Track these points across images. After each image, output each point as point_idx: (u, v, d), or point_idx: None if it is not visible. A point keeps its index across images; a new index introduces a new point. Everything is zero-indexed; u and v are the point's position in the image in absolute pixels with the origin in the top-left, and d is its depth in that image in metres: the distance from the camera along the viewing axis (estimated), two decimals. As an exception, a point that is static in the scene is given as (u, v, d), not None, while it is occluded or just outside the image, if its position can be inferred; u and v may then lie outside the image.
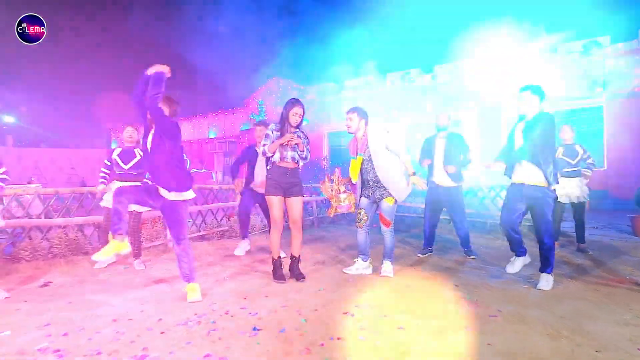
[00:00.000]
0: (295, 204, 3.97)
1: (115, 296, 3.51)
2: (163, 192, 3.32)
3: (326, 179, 4.36)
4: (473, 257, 4.96)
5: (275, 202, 3.90)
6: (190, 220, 6.76)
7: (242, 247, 5.01)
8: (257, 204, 5.39)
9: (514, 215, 3.76)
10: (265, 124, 5.06)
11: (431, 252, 5.17)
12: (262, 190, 4.87)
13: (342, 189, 4.23)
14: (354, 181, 4.19)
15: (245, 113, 21.43)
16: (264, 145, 3.92)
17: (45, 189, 6.26)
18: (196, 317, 2.92)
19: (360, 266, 4.22)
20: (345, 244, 6.10)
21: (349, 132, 4.19)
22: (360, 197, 4.22)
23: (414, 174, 4.03)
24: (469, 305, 3.14)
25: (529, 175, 3.63)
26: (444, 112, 5.23)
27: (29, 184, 12.41)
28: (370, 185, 4.12)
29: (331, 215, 4.29)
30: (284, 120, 3.93)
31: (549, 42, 13.15)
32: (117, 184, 4.62)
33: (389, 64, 17.76)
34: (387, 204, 4.03)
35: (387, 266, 4.11)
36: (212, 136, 23.30)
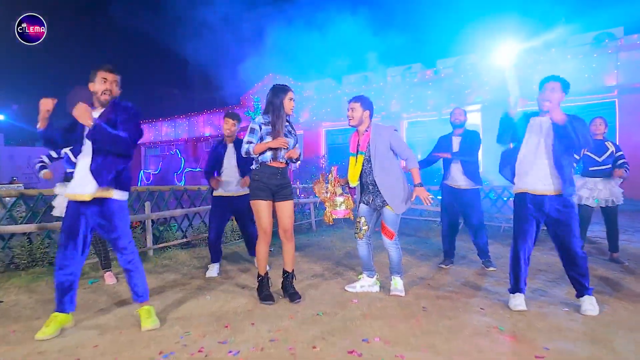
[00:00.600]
0: (287, 208, 3.34)
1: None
2: (89, 187, 2.71)
3: (321, 178, 3.71)
4: (492, 268, 4.37)
5: (263, 208, 3.27)
6: (175, 224, 6.13)
7: (213, 271, 4.27)
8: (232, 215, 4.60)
9: (532, 239, 3.08)
10: (237, 117, 4.40)
11: (452, 263, 4.57)
12: (232, 191, 4.24)
13: (339, 191, 3.58)
14: (352, 184, 3.56)
15: (241, 110, 20.81)
16: (249, 142, 3.24)
17: (8, 190, 5.61)
18: (160, 358, 2.30)
19: (366, 283, 3.60)
20: (346, 251, 5.48)
21: (350, 125, 3.55)
22: (360, 203, 3.60)
23: (420, 184, 3.38)
24: (505, 338, 2.53)
25: (550, 183, 2.98)
26: (459, 108, 4.66)
27: (11, 184, 11.77)
28: (370, 190, 3.49)
29: (328, 222, 3.64)
30: (277, 111, 3.28)
31: (559, 34, 12.55)
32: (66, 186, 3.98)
33: (389, 59, 17.13)
34: (390, 211, 3.40)
35: (397, 283, 3.49)
36: (207, 134, 22.67)
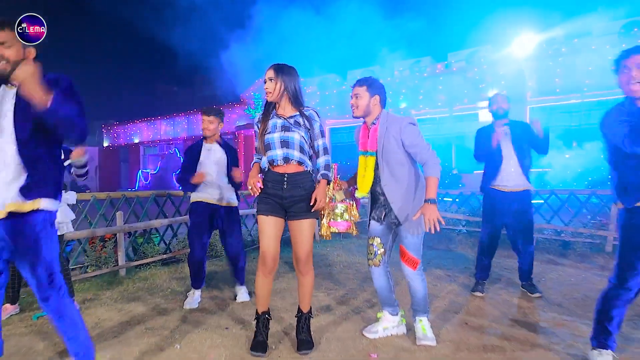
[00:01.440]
0: (299, 230, 2.47)
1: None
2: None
3: None
4: (538, 294, 3.54)
5: (263, 225, 2.45)
6: (157, 234, 5.28)
7: (193, 299, 3.44)
8: (217, 229, 3.63)
9: None
10: (218, 112, 3.48)
11: (485, 285, 3.73)
12: (214, 197, 3.43)
13: (339, 197, 2.68)
14: (360, 195, 2.66)
15: (241, 108, 20.11)
16: (255, 151, 2.65)
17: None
18: None
19: (389, 324, 2.74)
20: (356, 269, 4.62)
21: (355, 116, 2.66)
22: (369, 219, 2.73)
23: (432, 201, 2.37)
24: None
25: None
26: (500, 94, 3.77)
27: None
28: (382, 202, 2.63)
29: (325, 237, 2.64)
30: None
31: (581, 24, 11.61)
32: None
33: (397, 52, 16.26)
34: (410, 232, 2.57)
35: (424, 328, 2.62)
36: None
